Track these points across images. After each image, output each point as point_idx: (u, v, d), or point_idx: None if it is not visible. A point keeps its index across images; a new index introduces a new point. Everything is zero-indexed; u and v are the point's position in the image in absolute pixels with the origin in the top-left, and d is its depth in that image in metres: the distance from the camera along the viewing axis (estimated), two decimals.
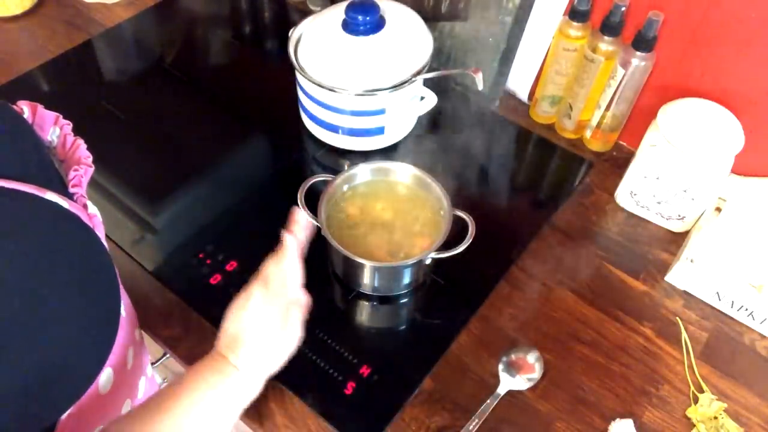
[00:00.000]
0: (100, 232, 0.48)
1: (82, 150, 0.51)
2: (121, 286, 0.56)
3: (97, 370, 0.47)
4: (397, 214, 0.75)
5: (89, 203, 0.48)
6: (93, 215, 0.47)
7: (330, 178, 0.75)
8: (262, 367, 0.58)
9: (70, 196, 0.47)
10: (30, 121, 0.51)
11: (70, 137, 0.52)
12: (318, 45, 0.84)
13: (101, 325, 0.47)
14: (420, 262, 0.71)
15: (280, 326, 0.59)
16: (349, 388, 0.68)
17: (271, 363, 0.59)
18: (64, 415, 0.45)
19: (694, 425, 0.67)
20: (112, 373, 0.50)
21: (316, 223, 0.70)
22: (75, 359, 0.44)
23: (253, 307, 0.58)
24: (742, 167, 0.82)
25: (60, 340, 0.42)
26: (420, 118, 0.93)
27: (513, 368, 0.70)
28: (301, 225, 0.65)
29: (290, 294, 0.61)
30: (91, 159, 0.51)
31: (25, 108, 0.51)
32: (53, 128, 0.52)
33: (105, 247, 0.48)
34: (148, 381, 0.65)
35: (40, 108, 0.52)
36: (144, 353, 0.63)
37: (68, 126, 0.52)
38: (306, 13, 1.08)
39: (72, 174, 0.48)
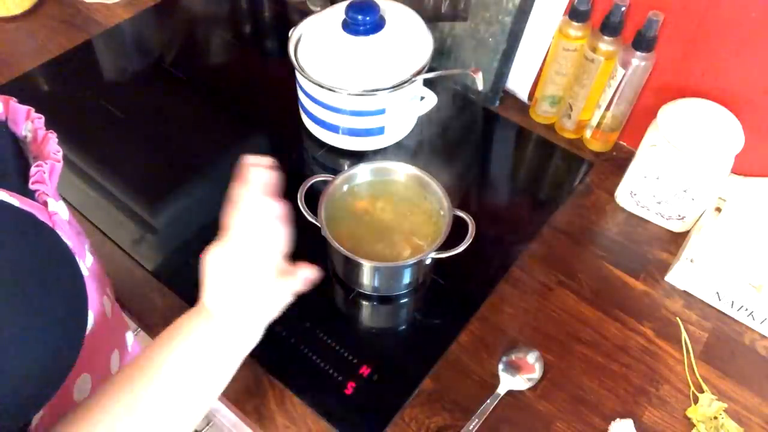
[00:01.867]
0: (64, 231, 0.45)
1: (51, 144, 0.48)
2: (102, 286, 0.53)
3: (45, 399, 0.42)
4: (397, 214, 0.75)
5: (52, 201, 0.45)
6: (53, 213, 0.44)
7: (330, 178, 0.75)
8: (250, 313, 0.54)
9: (30, 194, 0.44)
10: (3, 116, 0.50)
11: (42, 131, 0.50)
12: (318, 45, 0.84)
13: (56, 333, 0.42)
14: (420, 262, 0.71)
15: (264, 275, 0.54)
16: (349, 388, 0.68)
17: (260, 311, 0.55)
18: (35, 422, 0.43)
19: (694, 425, 0.67)
20: (90, 380, 0.48)
21: (316, 223, 0.70)
22: (16, 381, 0.39)
23: (232, 250, 0.54)
24: (742, 167, 0.82)
25: None
26: (420, 118, 0.93)
27: (513, 368, 0.70)
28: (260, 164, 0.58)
29: (272, 243, 0.56)
30: (60, 153, 0.48)
31: None
32: (26, 123, 0.50)
33: (66, 247, 0.44)
34: None
35: (13, 102, 0.50)
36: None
37: (40, 120, 0.50)
38: (306, 13, 1.08)
39: (33, 170, 0.45)
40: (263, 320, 0.55)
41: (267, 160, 0.59)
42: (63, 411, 0.46)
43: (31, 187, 0.45)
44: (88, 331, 0.46)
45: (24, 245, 0.40)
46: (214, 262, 0.54)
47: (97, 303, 0.50)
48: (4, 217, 0.40)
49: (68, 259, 0.45)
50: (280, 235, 0.56)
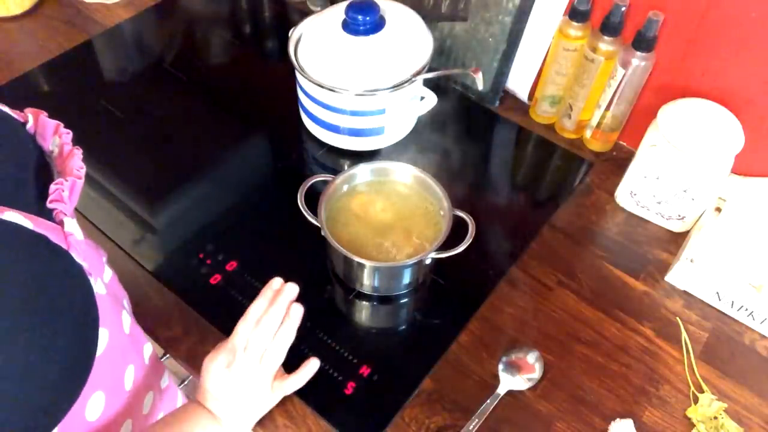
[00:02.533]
0: (78, 252, 0.44)
1: (75, 160, 0.49)
2: (119, 301, 0.54)
3: (54, 421, 0.43)
4: (397, 214, 0.75)
5: (69, 221, 0.44)
6: (69, 234, 0.44)
7: (330, 178, 0.75)
8: (242, 422, 0.62)
9: (48, 212, 0.44)
10: (32, 130, 0.50)
11: (68, 146, 0.50)
12: (318, 45, 0.84)
13: (69, 353, 0.43)
14: (420, 262, 0.71)
15: (262, 389, 0.63)
16: (349, 388, 0.68)
17: (249, 420, 0.63)
18: None
19: (694, 425, 0.67)
20: (104, 397, 0.48)
21: (316, 223, 0.70)
22: (28, 400, 0.39)
23: (236, 370, 0.61)
24: (742, 167, 0.82)
25: (8, 379, 0.38)
26: (420, 118, 0.93)
27: (513, 368, 0.70)
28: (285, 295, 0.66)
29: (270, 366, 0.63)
30: (83, 170, 0.48)
31: (29, 116, 0.50)
32: (54, 138, 0.50)
33: (80, 268, 0.44)
34: (160, 395, 0.64)
35: (43, 116, 0.51)
36: (154, 371, 0.62)
37: (68, 135, 0.50)
38: (306, 13, 1.08)
39: (52, 188, 0.45)
40: (253, 421, 0.64)
41: (291, 286, 0.66)
42: (75, 429, 0.46)
43: (49, 205, 0.45)
44: (102, 350, 0.47)
45: (35, 270, 0.40)
46: (215, 368, 0.61)
47: (112, 321, 0.50)
48: (16, 241, 0.40)
49: (80, 282, 0.45)
50: (280, 347, 0.63)
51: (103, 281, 0.50)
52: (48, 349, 0.40)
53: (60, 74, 1.02)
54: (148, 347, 0.61)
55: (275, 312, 0.63)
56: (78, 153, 0.49)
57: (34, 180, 0.46)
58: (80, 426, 0.46)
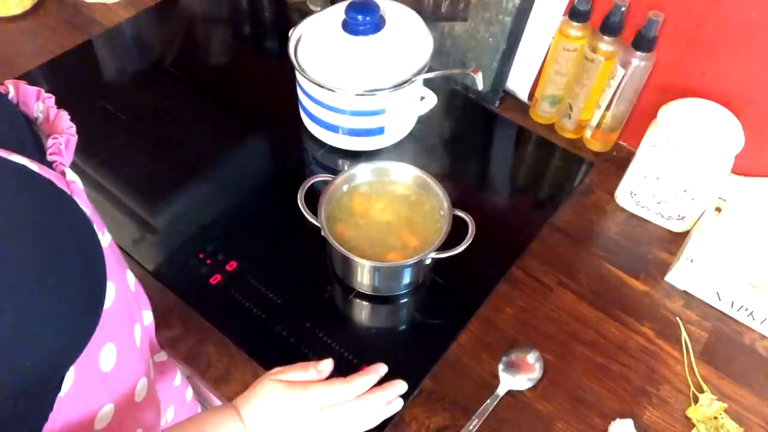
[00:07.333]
0: (81, 199, 0.45)
1: (64, 121, 0.50)
2: (123, 260, 0.54)
3: (69, 360, 0.43)
4: (397, 214, 0.75)
5: (69, 171, 0.46)
6: (71, 181, 0.45)
7: (330, 178, 0.75)
8: None
9: (48, 165, 0.45)
10: (15, 99, 0.51)
11: (53, 110, 0.51)
12: (318, 45, 0.84)
13: (79, 289, 0.43)
14: (420, 262, 0.71)
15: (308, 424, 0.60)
16: None
17: None
18: (65, 391, 0.44)
19: (694, 425, 0.67)
20: (115, 350, 0.49)
21: (316, 223, 0.70)
22: (41, 332, 0.39)
23: (292, 396, 0.59)
24: (742, 167, 0.82)
25: (22, 310, 0.38)
26: (420, 118, 0.93)
27: (513, 368, 0.70)
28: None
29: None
30: (74, 129, 0.50)
31: (10, 86, 0.51)
32: (37, 103, 0.51)
33: (84, 214, 0.45)
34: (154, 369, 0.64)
35: (23, 84, 0.51)
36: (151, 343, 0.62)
37: (50, 99, 0.51)
38: (306, 13, 1.08)
39: (50, 142, 0.47)
40: None
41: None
42: (91, 381, 0.46)
43: (49, 158, 0.45)
44: (112, 301, 0.47)
45: (42, 209, 0.41)
46: (273, 389, 0.59)
47: (118, 274, 0.50)
48: (24, 181, 0.40)
49: (86, 228, 0.45)
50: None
51: (103, 237, 0.50)
52: (58, 286, 0.40)
53: (60, 74, 1.02)
54: (148, 314, 0.60)
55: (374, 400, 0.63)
56: (64, 114, 0.50)
57: (29, 139, 0.47)
58: (96, 375, 0.47)
